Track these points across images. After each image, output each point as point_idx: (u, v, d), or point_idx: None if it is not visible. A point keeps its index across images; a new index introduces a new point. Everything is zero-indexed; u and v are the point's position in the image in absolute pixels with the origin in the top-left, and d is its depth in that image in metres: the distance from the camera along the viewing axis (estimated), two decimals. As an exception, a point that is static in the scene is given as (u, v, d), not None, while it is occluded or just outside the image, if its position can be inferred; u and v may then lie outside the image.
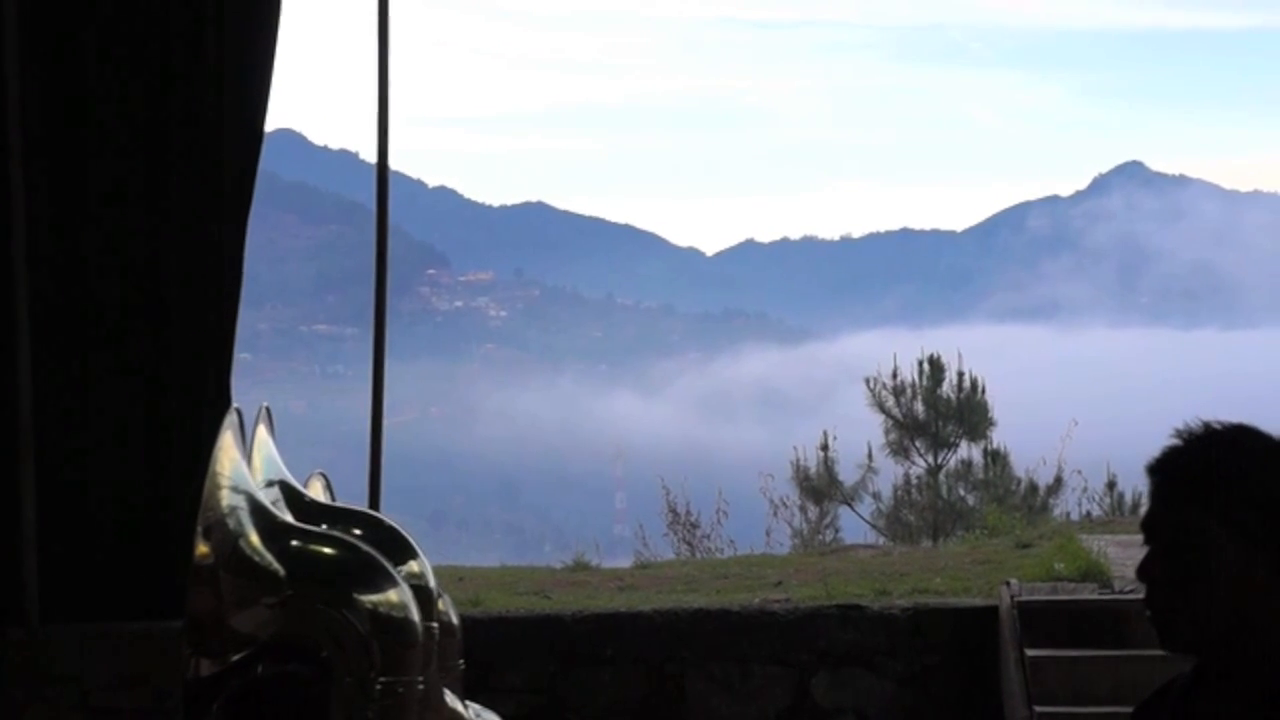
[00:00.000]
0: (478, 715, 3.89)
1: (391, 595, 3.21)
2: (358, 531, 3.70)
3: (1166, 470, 2.56)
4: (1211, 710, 2.54)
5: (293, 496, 3.71)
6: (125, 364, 8.07)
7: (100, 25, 7.90)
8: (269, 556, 3.19)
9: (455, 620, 3.89)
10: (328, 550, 3.31)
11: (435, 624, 3.70)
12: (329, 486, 4.03)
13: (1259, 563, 2.47)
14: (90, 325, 8.06)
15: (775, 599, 9.56)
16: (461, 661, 3.89)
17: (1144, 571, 2.56)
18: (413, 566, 3.69)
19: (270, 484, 3.64)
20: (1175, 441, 2.56)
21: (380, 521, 3.82)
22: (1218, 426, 2.55)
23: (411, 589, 3.58)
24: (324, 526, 3.64)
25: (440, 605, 3.78)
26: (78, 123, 7.94)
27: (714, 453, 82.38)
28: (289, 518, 3.63)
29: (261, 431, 3.69)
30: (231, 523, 3.18)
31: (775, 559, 13.16)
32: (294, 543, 3.24)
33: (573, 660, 9.13)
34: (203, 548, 3.14)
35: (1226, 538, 2.47)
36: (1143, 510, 2.62)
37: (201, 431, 7.85)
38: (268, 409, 3.77)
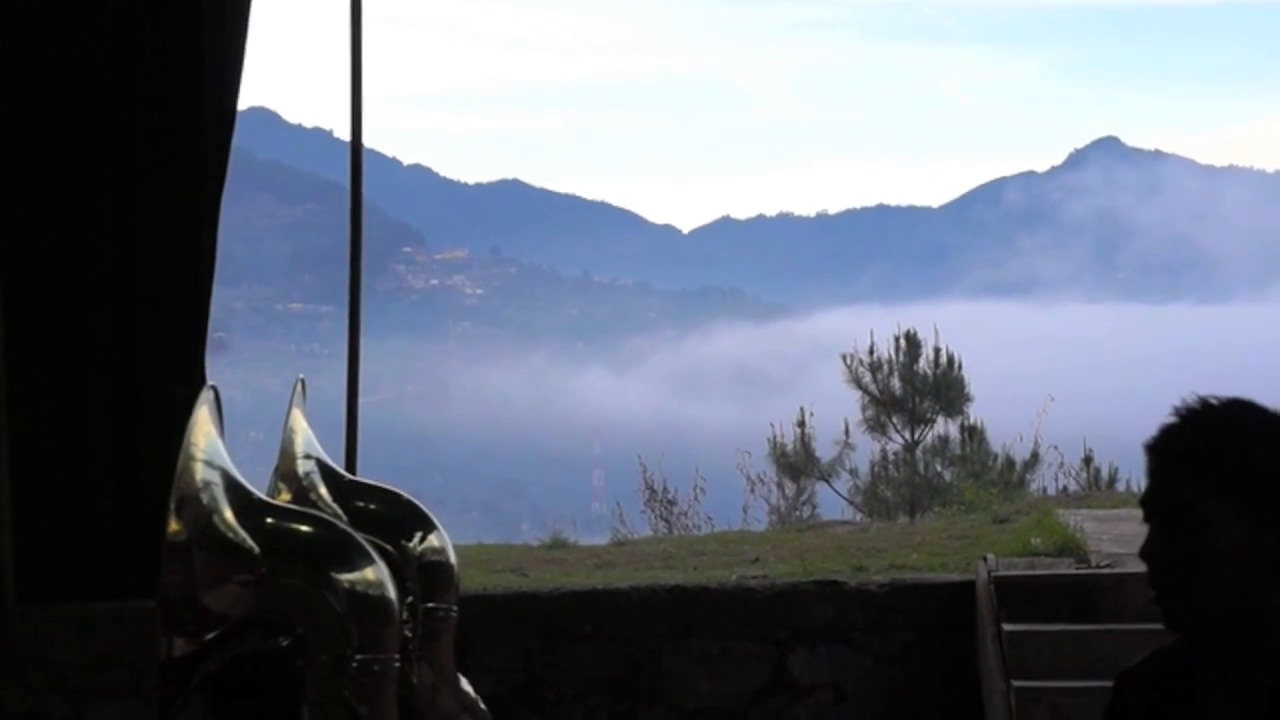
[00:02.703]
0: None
1: (368, 573, 3.21)
2: (374, 506, 3.73)
3: (1164, 448, 2.53)
4: (1219, 690, 2.52)
5: (327, 472, 3.74)
6: (99, 343, 8.05)
7: (66, 3, 7.86)
8: (243, 533, 3.18)
9: (453, 560, 3.92)
10: (303, 528, 3.30)
11: (455, 607, 3.72)
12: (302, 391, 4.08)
13: (1264, 537, 2.44)
14: (63, 306, 8.04)
15: (753, 576, 9.58)
16: (455, 608, 3.91)
17: (1147, 552, 2.52)
18: (433, 541, 3.71)
19: (308, 458, 3.69)
20: (1172, 419, 2.52)
21: (398, 496, 3.85)
22: (1214, 402, 2.52)
23: (431, 565, 3.61)
24: (358, 502, 3.68)
25: (435, 541, 3.81)
26: (44, 98, 7.90)
27: (688, 429, 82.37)
28: (324, 491, 3.67)
29: (297, 410, 3.74)
30: (205, 499, 3.17)
31: (752, 536, 13.18)
32: (269, 520, 3.24)
33: (551, 638, 9.13)
34: (175, 524, 3.13)
35: (1228, 514, 2.44)
36: (1142, 489, 2.60)
37: (176, 411, 7.83)
38: (302, 381, 3.84)
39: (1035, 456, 19.34)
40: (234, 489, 3.24)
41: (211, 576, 3.17)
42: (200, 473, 3.19)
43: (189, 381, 7.95)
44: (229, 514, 3.19)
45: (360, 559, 3.23)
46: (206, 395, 3.34)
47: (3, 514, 7.90)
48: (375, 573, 3.22)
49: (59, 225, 8.00)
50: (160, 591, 3.24)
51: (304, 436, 3.76)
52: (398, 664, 3.27)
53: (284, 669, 3.22)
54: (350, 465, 8.00)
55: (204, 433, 3.23)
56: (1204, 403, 2.52)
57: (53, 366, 8.04)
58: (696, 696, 9.08)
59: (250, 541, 3.18)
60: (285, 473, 3.73)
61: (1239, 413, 2.52)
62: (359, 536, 3.33)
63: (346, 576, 3.18)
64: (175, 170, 8.01)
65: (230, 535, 3.17)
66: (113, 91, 7.95)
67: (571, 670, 9.11)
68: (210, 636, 3.26)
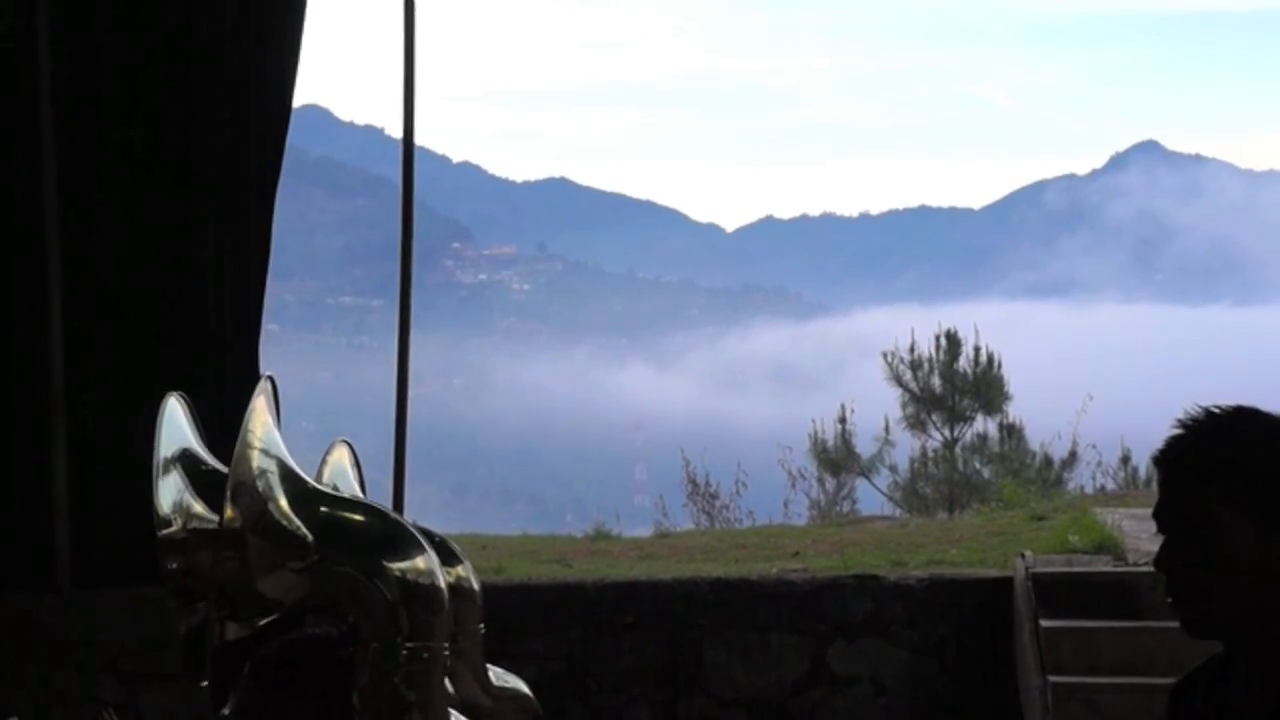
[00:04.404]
0: (500, 679, 3.90)
1: (419, 562, 3.21)
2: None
3: (1172, 460, 2.52)
4: (1242, 695, 2.51)
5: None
6: (155, 335, 8.09)
7: (125, 2, 7.91)
8: (297, 521, 3.18)
9: (476, 586, 3.88)
10: (356, 517, 3.30)
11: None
12: (355, 457, 4.01)
13: (1274, 542, 2.43)
14: (121, 297, 8.09)
15: (793, 569, 9.57)
16: (482, 626, 3.89)
17: (1161, 563, 2.52)
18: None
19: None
20: (1177, 430, 2.52)
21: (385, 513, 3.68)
22: (1217, 411, 2.51)
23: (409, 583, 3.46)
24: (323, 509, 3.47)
25: (462, 571, 3.79)
26: (106, 98, 7.95)
27: (728, 425, 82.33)
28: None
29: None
30: (260, 487, 3.18)
31: (793, 530, 13.17)
32: (322, 508, 3.24)
33: (594, 627, 9.15)
34: (231, 511, 3.14)
35: (1238, 521, 2.43)
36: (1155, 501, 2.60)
37: (228, 401, 7.87)
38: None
39: (1073, 455, 19.26)
40: (289, 478, 3.24)
41: (265, 563, 3.17)
42: (256, 461, 3.19)
43: (242, 373, 8.00)
44: (283, 502, 3.19)
45: (411, 548, 3.24)
46: (264, 386, 3.34)
47: (59, 503, 7.97)
48: (426, 562, 3.23)
49: (115, 220, 8.05)
50: (214, 578, 3.24)
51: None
52: (447, 652, 3.28)
53: (335, 656, 3.24)
54: (400, 456, 8.03)
55: (261, 422, 3.23)
56: (1207, 412, 2.52)
57: (108, 359, 8.10)
58: (736, 687, 9.08)
59: (304, 530, 3.18)
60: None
61: (1243, 421, 2.51)
62: (411, 526, 3.34)
63: (398, 565, 3.19)
64: (232, 166, 8.05)
65: (284, 523, 3.17)
66: (171, 90, 8.00)
67: (614, 659, 9.12)
68: (263, 622, 3.27)
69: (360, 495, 3.78)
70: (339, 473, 3.80)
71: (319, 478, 3.72)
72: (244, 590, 3.19)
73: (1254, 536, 2.43)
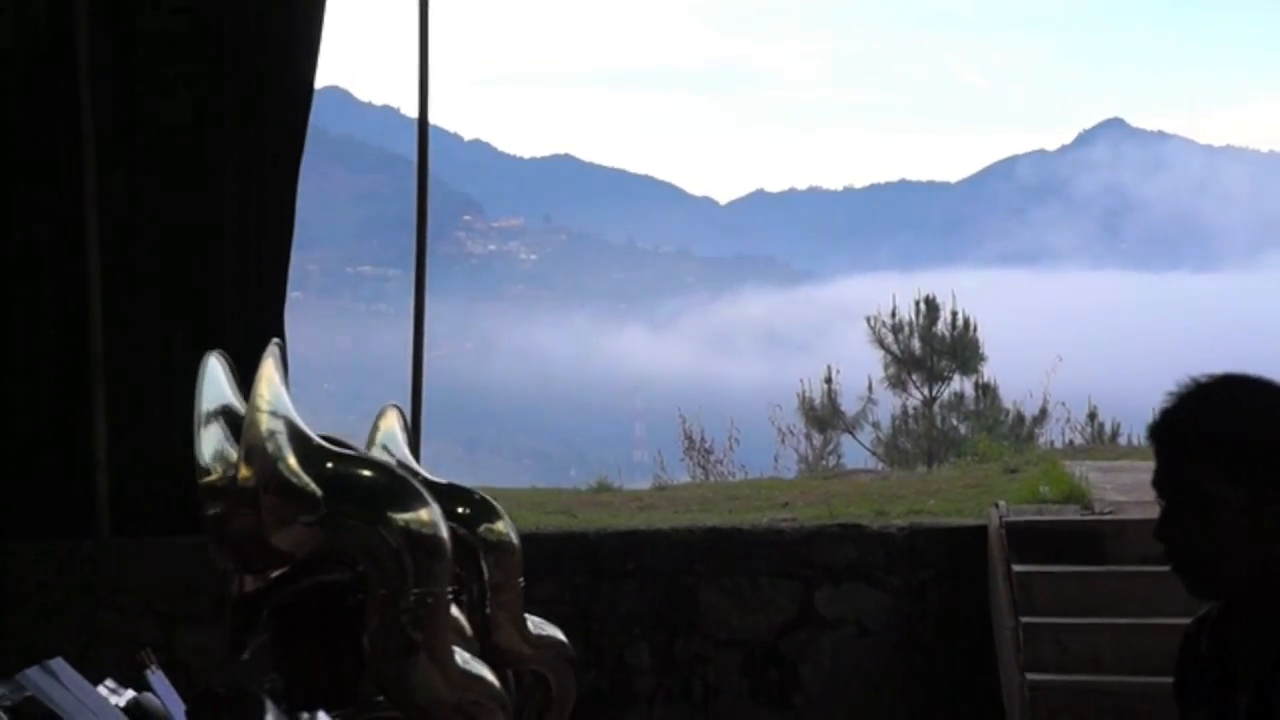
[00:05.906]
0: (539, 628, 3.90)
1: (422, 514, 3.21)
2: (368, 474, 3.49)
3: (1164, 432, 2.47)
4: (1245, 643, 2.49)
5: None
6: (187, 300, 8.09)
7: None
8: (306, 478, 3.16)
9: (517, 541, 3.87)
10: (362, 472, 3.29)
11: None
12: (405, 422, 3.97)
13: (1265, 508, 2.39)
14: (155, 263, 8.08)
15: (783, 518, 9.58)
16: (522, 580, 3.86)
17: (1160, 532, 2.47)
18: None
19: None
20: (1168, 403, 2.46)
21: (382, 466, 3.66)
22: (1206, 380, 2.46)
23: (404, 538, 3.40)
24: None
25: (502, 526, 3.78)
26: (140, 81, 7.93)
27: (720, 385, 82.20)
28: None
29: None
30: (270, 447, 3.15)
31: (782, 482, 13.17)
32: (329, 465, 3.22)
33: (597, 574, 9.16)
34: (245, 471, 3.12)
35: (1229, 490, 2.39)
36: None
37: (256, 363, 7.87)
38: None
39: (1044, 412, 19.30)
40: (297, 437, 3.21)
41: (278, 519, 3.16)
42: (266, 422, 3.16)
43: (267, 336, 8.00)
44: (293, 460, 3.17)
45: (415, 501, 3.23)
46: (272, 350, 3.32)
47: (99, 455, 7.98)
48: (429, 514, 3.23)
49: (150, 193, 8.03)
50: (229, 533, 3.23)
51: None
52: (450, 596, 3.27)
53: (345, 602, 3.23)
54: (415, 414, 8.03)
55: (269, 384, 3.21)
56: (1196, 383, 2.47)
57: (145, 323, 8.09)
58: (730, 629, 9.10)
59: (313, 486, 3.17)
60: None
61: (1231, 390, 2.47)
62: (414, 480, 3.33)
63: (402, 516, 3.18)
64: (257, 145, 8.03)
65: (294, 480, 3.16)
66: (201, 75, 7.98)
67: (616, 604, 9.13)
68: (277, 574, 3.26)
69: (409, 457, 3.79)
70: (390, 437, 3.80)
71: (371, 440, 3.72)
72: (259, 545, 3.18)
73: (1245, 504, 2.39)
